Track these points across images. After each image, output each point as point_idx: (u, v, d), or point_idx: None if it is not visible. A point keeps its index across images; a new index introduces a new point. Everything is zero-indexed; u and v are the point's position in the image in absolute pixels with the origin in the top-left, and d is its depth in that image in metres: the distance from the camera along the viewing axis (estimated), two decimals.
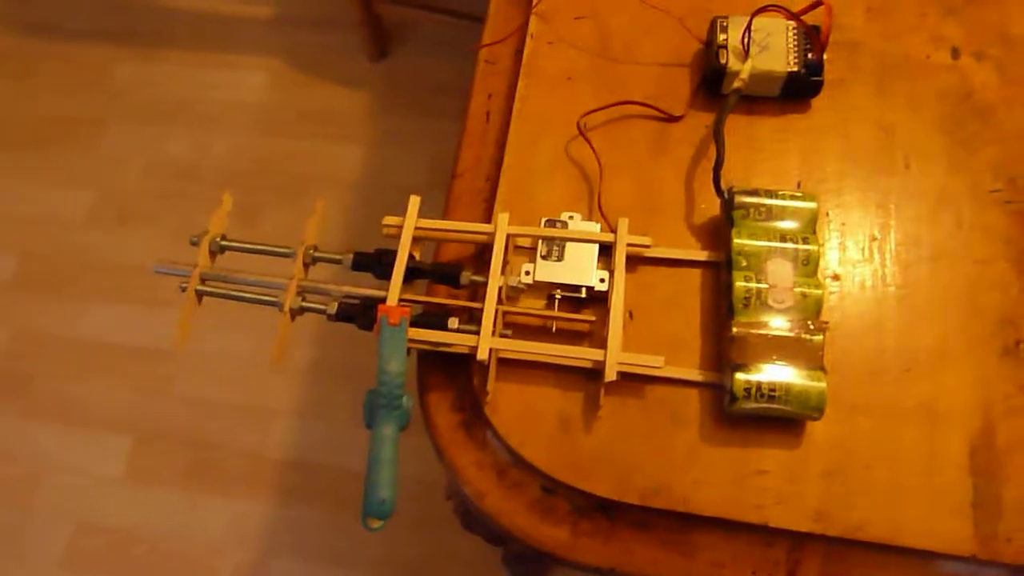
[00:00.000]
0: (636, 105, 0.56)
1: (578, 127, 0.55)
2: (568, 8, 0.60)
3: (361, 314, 0.49)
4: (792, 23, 0.53)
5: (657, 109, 0.55)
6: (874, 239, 0.52)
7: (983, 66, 0.56)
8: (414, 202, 0.51)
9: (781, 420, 0.47)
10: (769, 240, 0.48)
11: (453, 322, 0.48)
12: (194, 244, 0.51)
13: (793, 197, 0.50)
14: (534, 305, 0.50)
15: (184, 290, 0.50)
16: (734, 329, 0.46)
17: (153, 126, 1.54)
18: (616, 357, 0.46)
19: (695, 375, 0.48)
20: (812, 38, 0.53)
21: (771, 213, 0.49)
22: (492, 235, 0.50)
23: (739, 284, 0.47)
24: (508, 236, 0.50)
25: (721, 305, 0.49)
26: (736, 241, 0.48)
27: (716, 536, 0.46)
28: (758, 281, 0.47)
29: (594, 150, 0.54)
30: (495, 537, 0.71)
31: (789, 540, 0.46)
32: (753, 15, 0.53)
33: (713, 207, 0.53)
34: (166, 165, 1.49)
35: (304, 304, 0.50)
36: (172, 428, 1.25)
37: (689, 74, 0.57)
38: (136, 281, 1.37)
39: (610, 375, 0.46)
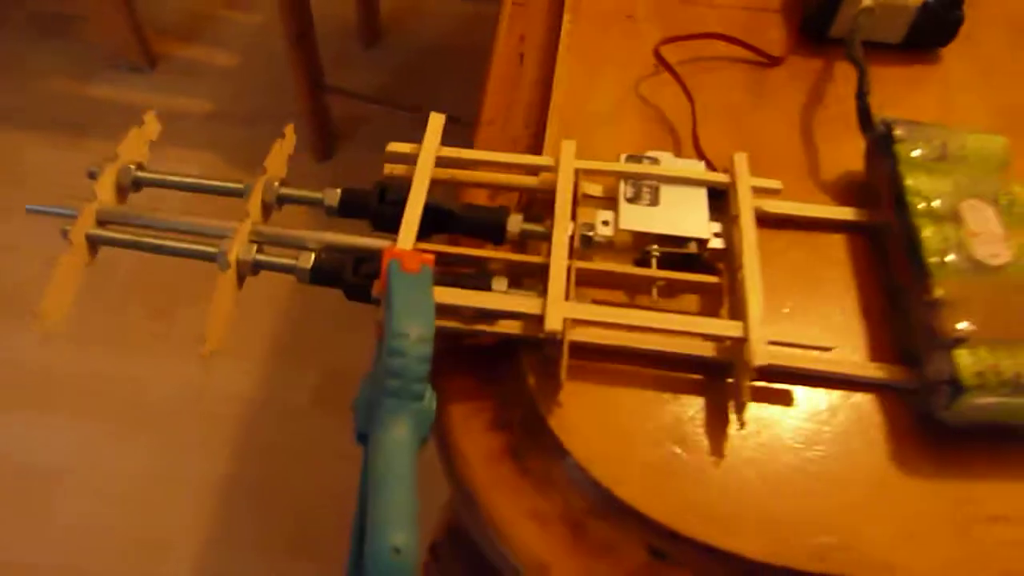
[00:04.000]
0: (726, 42, 0.42)
1: (656, 55, 0.40)
2: None
3: (353, 268, 0.31)
4: None
5: (754, 49, 0.42)
6: None
7: None
8: (436, 120, 0.35)
9: (1016, 437, 0.30)
10: (955, 179, 0.33)
11: (500, 283, 0.31)
12: (92, 177, 0.33)
13: (973, 131, 0.35)
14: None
15: (66, 236, 0.31)
16: (938, 290, 0.30)
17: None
18: (761, 332, 0.29)
19: (875, 371, 0.31)
20: None
21: (946, 150, 0.35)
22: (552, 170, 0.34)
23: (928, 230, 0.32)
24: (576, 172, 0.34)
25: (891, 276, 0.34)
26: (910, 181, 0.33)
27: None
28: (956, 231, 0.32)
29: (680, 80, 0.39)
30: None
31: None
32: None
33: (846, 159, 0.38)
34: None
35: (260, 258, 0.31)
36: (46, 561, 0.98)
37: (781, 20, 0.44)
38: (20, 381, 1.12)
39: (759, 358, 0.29)
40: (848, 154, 0.38)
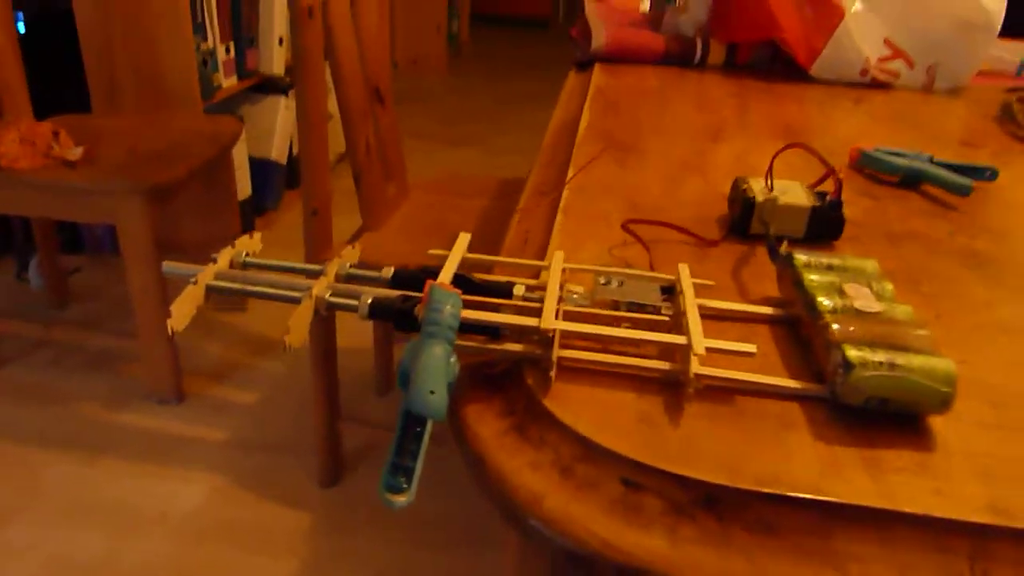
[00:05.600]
0: (674, 229, 0.57)
1: (624, 227, 0.55)
2: (596, 187, 0.65)
3: (401, 303, 0.42)
4: (802, 183, 0.59)
5: (695, 235, 0.57)
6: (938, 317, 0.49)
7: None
8: (463, 237, 0.48)
9: (904, 422, 0.39)
10: (838, 275, 0.46)
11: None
12: (213, 261, 0.46)
13: (851, 258, 0.49)
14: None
15: (193, 280, 0.43)
16: (828, 317, 0.41)
17: (68, 527, 1.39)
18: (701, 340, 0.40)
19: (792, 383, 0.41)
20: (823, 194, 0.59)
21: (832, 265, 0.48)
22: (548, 269, 0.47)
23: (821, 296, 0.44)
24: (564, 270, 0.47)
25: (801, 338, 0.45)
26: (807, 275, 0.46)
27: (867, 541, 0.34)
28: (841, 298, 0.44)
29: (640, 239, 0.54)
30: None
31: (968, 542, 0.33)
32: (774, 156, 0.59)
33: (766, 290, 0.51)
34: (69, 565, 1.31)
35: (332, 299, 0.43)
36: None
37: (716, 226, 0.61)
38: None
39: (698, 349, 0.39)
40: (767, 288, 0.51)
